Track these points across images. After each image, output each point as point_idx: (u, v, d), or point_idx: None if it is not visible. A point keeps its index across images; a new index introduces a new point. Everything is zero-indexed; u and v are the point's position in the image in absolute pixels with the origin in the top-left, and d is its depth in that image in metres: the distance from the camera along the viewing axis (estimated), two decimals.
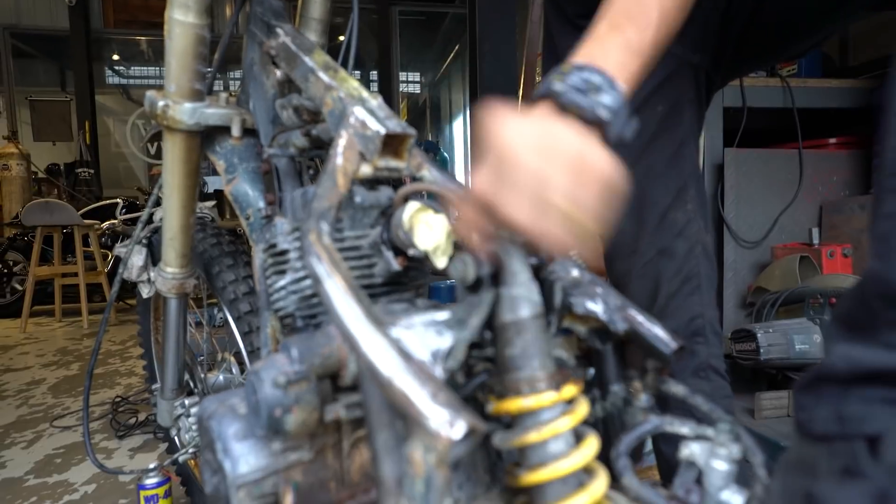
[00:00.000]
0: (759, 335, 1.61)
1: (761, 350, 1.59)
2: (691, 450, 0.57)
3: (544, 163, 0.45)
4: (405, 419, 0.42)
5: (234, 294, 1.12)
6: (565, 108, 0.52)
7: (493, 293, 0.50)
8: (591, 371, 0.70)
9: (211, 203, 1.50)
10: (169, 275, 1.10)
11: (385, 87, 7.75)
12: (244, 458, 0.58)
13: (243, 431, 0.59)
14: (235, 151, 1.01)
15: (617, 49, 0.53)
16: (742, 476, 0.55)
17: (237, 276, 1.14)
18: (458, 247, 0.70)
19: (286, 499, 0.54)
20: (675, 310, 0.94)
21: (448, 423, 0.37)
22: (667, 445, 0.89)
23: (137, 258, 1.37)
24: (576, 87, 0.51)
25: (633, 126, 0.53)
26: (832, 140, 2.17)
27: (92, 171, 5.40)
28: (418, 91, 8.97)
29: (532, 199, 0.45)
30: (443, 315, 0.49)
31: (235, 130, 1.00)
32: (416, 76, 8.66)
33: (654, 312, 0.61)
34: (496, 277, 0.52)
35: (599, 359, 0.66)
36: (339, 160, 0.65)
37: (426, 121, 9.73)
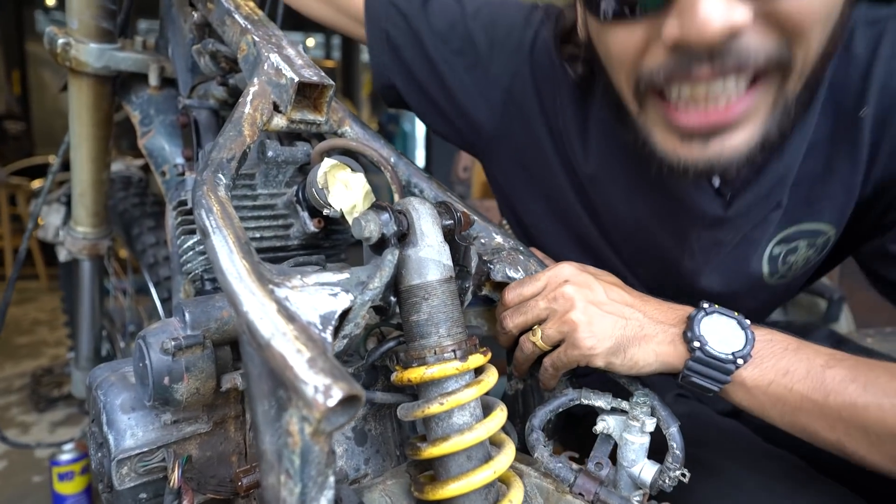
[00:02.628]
0: None
1: None
2: (606, 423, 0.55)
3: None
4: (284, 385, 0.38)
5: (153, 258, 1.05)
6: (689, 342, 0.51)
7: (396, 253, 0.46)
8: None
9: (142, 161, 1.40)
10: (79, 234, 1.02)
11: (348, 56, 7.50)
12: (130, 431, 0.53)
13: (132, 402, 0.54)
14: (152, 102, 0.93)
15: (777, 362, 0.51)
16: (658, 448, 0.54)
17: (158, 239, 1.07)
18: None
19: (173, 474, 0.50)
20: None
21: (324, 391, 0.33)
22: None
23: (55, 217, 1.27)
24: (712, 357, 0.50)
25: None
26: None
27: (23, 125, 5.03)
28: None
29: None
30: (340, 276, 0.45)
31: (153, 79, 0.92)
32: None
33: None
34: (404, 238, 0.49)
35: None
36: (248, 108, 0.59)
37: None
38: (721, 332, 0.52)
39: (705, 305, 0.53)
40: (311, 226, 0.64)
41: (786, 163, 0.57)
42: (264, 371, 0.40)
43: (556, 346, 0.56)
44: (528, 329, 0.57)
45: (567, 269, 0.57)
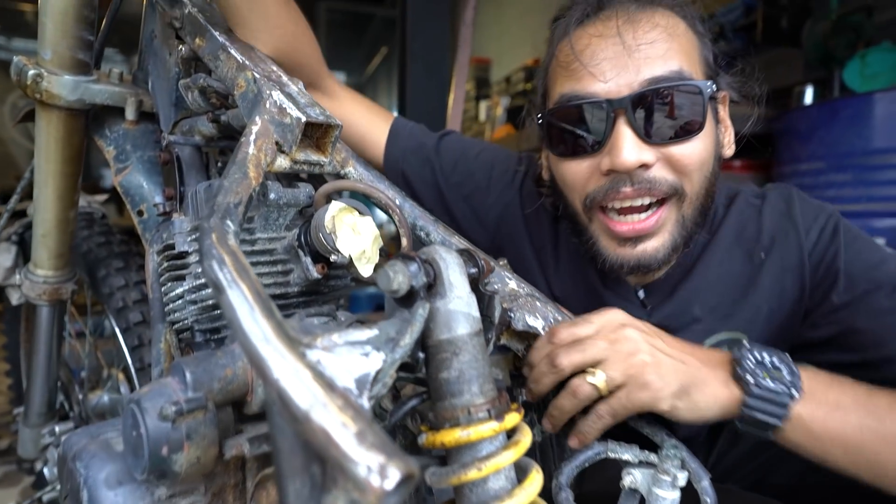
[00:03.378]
0: None
1: None
2: (633, 476, 0.53)
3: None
4: (323, 463, 0.34)
5: (122, 301, 0.97)
6: (742, 379, 0.53)
7: (427, 307, 0.43)
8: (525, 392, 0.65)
9: (103, 197, 1.32)
10: (39, 278, 0.93)
11: None
12: None
13: (118, 475, 0.48)
14: (129, 137, 0.88)
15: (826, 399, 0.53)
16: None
17: (128, 282, 1.00)
18: (384, 253, 0.63)
19: None
20: None
21: (379, 471, 0.29)
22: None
23: (4, 257, 1.17)
24: (769, 390, 0.52)
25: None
26: (737, 163, 2.32)
27: None
28: None
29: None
30: (369, 333, 0.42)
31: (130, 113, 0.87)
32: (341, 76, 8.47)
33: None
34: (430, 289, 0.46)
35: None
36: (251, 149, 0.56)
37: None
38: (767, 367, 0.52)
39: (746, 344, 0.54)
40: (314, 272, 0.61)
41: (695, 286, 0.75)
42: (297, 444, 0.36)
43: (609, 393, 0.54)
44: (581, 371, 0.54)
45: (620, 314, 0.56)
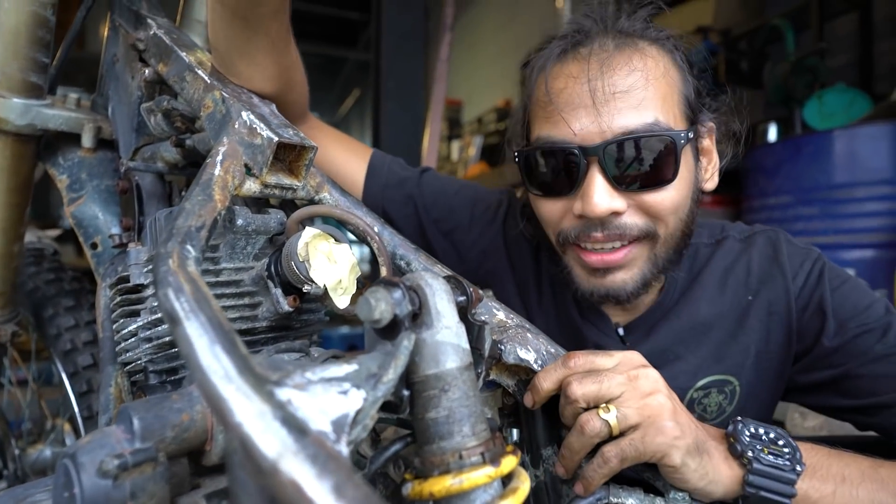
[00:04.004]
0: None
1: None
2: None
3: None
4: None
5: (71, 343, 0.89)
6: (741, 456, 0.50)
7: (413, 338, 0.39)
8: (515, 433, 0.60)
9: (55, 232, 1.24)
10: None
11: None
12: None
13: None
14: (85, 165, 0.82)
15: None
16: None
17: (78, 322, 0.92)
18: (362, 284, 0.59)
19: None
20: None
21: None
22: None
23: None
24: (772, 466, 0.49)
25: None
26: (707, 198, 2.38)
27: None
28: None
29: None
30: (348, 368, 0.37)
31: (87, 140, 0.81)
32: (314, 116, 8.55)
33: None
34: (416, 319, 0.42)
35: (529, 417, 0.56)
36: (218, 170, 0.51)
37: None
38: (765, 442, 0.49)
39: (740, 419, 0.52)
40: (285, 305, 0.55)
41: (678, 326, 0.74)
42: (261, 500, 0.30)
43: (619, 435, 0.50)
44: (594, 406, 0.49)
45: (640, 356, 0.53)
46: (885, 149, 1.69)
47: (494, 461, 0.39)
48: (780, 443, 0.49)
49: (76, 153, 0.82)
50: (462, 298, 0.46)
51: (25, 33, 0.70)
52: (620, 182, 0.63)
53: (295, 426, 0.29)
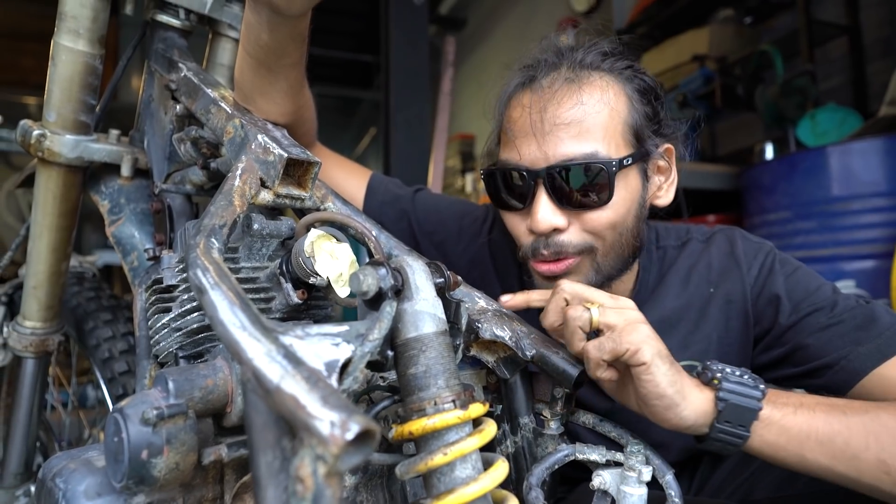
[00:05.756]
0: None
1: None
2: (602, 477, 0.55)
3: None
4: (292, 435, 0.37)
5: (109, 352, 0.99)
6: (711, 377, 0.57)
7: (395, 305, 0.47)
8: (500, 409, 0.67)
9: (94, 258, 1.36)
10: (27, 330, 0.96)
11: None
12: None
13: (97, 487, 0.49)
14: (123, 192, 0.93)
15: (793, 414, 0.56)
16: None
17: (115, 333, 1.02)
18: None
19: None
20: None
21: (340, 425, 0.32)
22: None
23: None
24: (739, 383, 0.56)
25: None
26: (711, 217, 2.43)
27: None
28: None
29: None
30: (341, 328, 0.45)
31: (125, 170, 0.93)
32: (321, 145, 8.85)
33: None
34: (399, 294, 0.50)
35: (508, 391, 0.63)
36: (237, 182, 0.62)
37: None
38: (732, 373, 0.56)
39: (710, 362, 0.59)
40: (295, 297, 0.64)
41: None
42: (270, 420, 0.38)
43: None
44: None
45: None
46: (876, 162, 1.75)
47: (464, 407, 0.46)
48: (746, 376, 0.56)
49: (116, 181, 0.94)
50: (440, 280, 0.54)
51: (78, 80, 0.83)
52: (562, 202, 0.71)
53: (293, 359, 0.38)
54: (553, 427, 0.60)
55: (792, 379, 0.73)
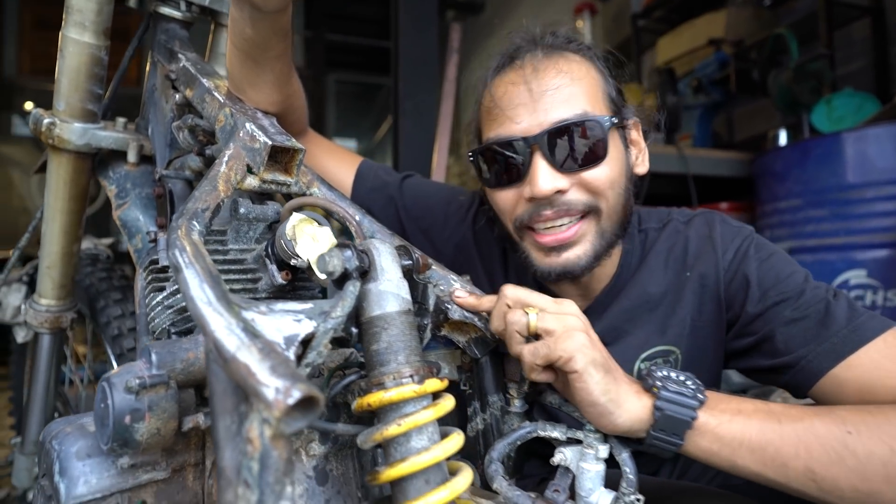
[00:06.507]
0: None
1: None
2: (563, 454, 0.57)
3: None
4: (247, 400, 0.40)
5: (118, 330, 1.04)
6: (651, 386, 0.58)
7: (358, 284, 0.50)
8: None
9: (109, 240, 1.42)
10: (42, 307, 1.01)
11: None
12: (84, 478, 0.52)
13: (88, 449, 0.54)
14: (129, 177, 0.98)
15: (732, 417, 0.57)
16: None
17: (124, 311, 1.07)
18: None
19: None
20: None
21: (284, 391, 0.35)
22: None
23: (14, 297, 1.26)
24: (678, 393, 0.57)
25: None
26: (724, 205, 2.40)
27: None
28: None
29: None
30: (305, 305, 0.48)
31: (132, 156, 0.98)
32: (351, 142, 8.88)
33: None
34: (366, 275, 0.53)
35: (479, 370, 0.66)
36: (223, 168, 0.65)
37: None
38: (674, 380, 0.57)
39: (654, 367, 0.60)
40: (279, 278, 0.68)
41: (626, 306, 0.82)
42: (229, 387, 0.42)
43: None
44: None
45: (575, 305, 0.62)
46: (892, 149, 1.70)
47: (420, 381, 0.49)
48: (688, 383, 0.57)
49: (123, 167, 0.98)
50: (408, 262, 0.57)
51: (84, 70, 0.87)
52: (560, 164, 0.72)
53: (251, 332, 0.41)
54: (517, 405, 0.62)
55: (759, 372, 0.74)
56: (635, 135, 0.82)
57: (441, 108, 1.98)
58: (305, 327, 0.46)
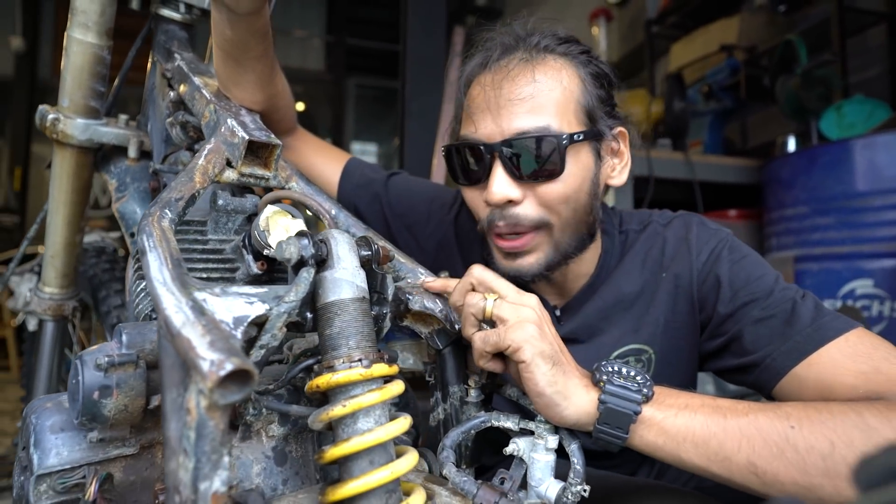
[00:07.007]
0: None
1: None
2: (517, 445, 0.59)
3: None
4: (189, 373, 0.42)
5: (117, 318, 1.09)
6: (598, 380, 0.59)
7: (312, 272, 0.52)
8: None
9: (117, 234, 1.48)
10: (46, 295, 1.06)
11: None
12: (55, 450, 0.55)
13: (62, 423, 0.57)
14: (129, 172, 1.02)
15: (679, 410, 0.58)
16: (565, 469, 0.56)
17: (123, 301, 1.11)
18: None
19: (90, 488, 0.52)
20: None
21: (217, 363, 0.38)
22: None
23: (26, 286, 1.32)
24: (622, 387, 0.57)
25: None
26: (732, 212, 2.37)
27: (17, 218, 5.19)
28: (374, 161, 9.16)
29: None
30: (259, 290, 0.50)
31: (132, 151, 1.02)
32: (371, 146, 8.98)
33: None
34: (324, 263, 0.55)
35: (441, 361, 0.68)
36: (201, 160, 0.68)
37: None
38: (623, 375, 0.58)
39: (606, 362, 0.60)
40: (255, 268, 0.70)
41: (601, 305, 0.84)
42: (176, 362, 0.44)
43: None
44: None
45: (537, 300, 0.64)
46: None
47: (369, 366, 0.51)
48: (637, 378, 0.58)
49: (124, 162, 1.03)
50: (367, 253, 0.59)
51: (88, 69, 0.91)
52: (516, 174, 0.73)
53: (198, 310, 0.43)
54: (473, 395, 0.64)
55: (732, 373, 0.74)
56: (618, 145, 0.81)
57: (443, 110, 2.02)
58: (257, 309, 0.49)
